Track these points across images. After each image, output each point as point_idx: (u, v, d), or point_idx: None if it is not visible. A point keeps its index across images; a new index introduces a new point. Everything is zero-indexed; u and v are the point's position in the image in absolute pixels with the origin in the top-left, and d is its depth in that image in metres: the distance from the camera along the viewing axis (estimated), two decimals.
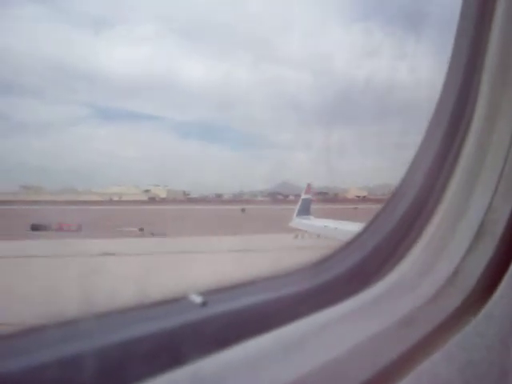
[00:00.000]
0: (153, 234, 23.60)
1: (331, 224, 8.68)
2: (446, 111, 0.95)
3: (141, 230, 25.65)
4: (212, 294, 0.80)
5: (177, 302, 0.75)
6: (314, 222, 10.49)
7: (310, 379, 0.64)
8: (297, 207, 12.11)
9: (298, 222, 11.18)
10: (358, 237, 0.98)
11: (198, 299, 0.73)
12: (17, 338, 0.61)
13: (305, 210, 11.87)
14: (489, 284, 0.83)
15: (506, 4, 0.89)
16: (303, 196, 12.62)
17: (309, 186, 13.30)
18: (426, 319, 0.81)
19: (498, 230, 0.85)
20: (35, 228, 26.17)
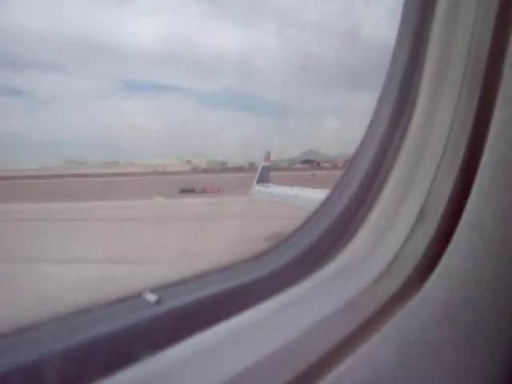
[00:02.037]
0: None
1: (290, 191, 8.80)
2: (389, 100, 0.97)
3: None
4: (164, 289, 0.85)
5: (131, 300, 0.78)
6: (274, 190, 10.60)
7: (258, 367, 0.69)
8: (256, 175, 12.22)
9: (258, 189, 11.30)
10: (304, 224, 1.02)
11: (152, 297, 0.76)
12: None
13: (264, 178, 12.00)
14: (427, 267, 0.86)
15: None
16: (262, 164, 12.76)
17: (268, 153, 13.52)
18: (366, 303, 0.85)
19: (436, 215, 0.88)
20: (183, 191, 31.07)
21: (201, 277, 0.93)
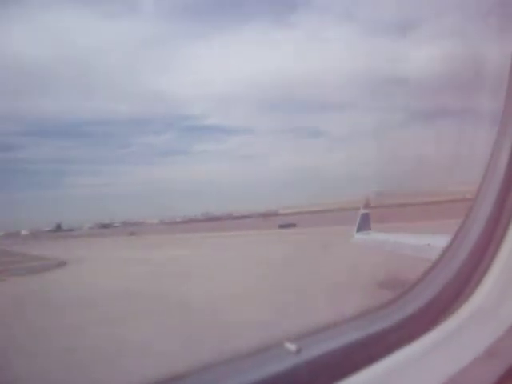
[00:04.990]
0: None
1: (391, 237, 8.72)
2: (506, 148, 0.95)
3: None
4: (303, 339, 0.86)
5: (273, 350, 0.82)
6: (375, 237, 10.31)
7: None
8: (356, 223, 11.54)
9: (359, 237, 10.93)
10: (430, 270, 1.01)
11: (292, 347, 0.78)
12: None
13: (365, 225, 11.28)
14: None
15: None
16: (362, 211, 11.92)
17: (367, 199, 12.52)
18: (509, 349, 0.80)
19: None
20: None
21: (335, 326, 0.95)
